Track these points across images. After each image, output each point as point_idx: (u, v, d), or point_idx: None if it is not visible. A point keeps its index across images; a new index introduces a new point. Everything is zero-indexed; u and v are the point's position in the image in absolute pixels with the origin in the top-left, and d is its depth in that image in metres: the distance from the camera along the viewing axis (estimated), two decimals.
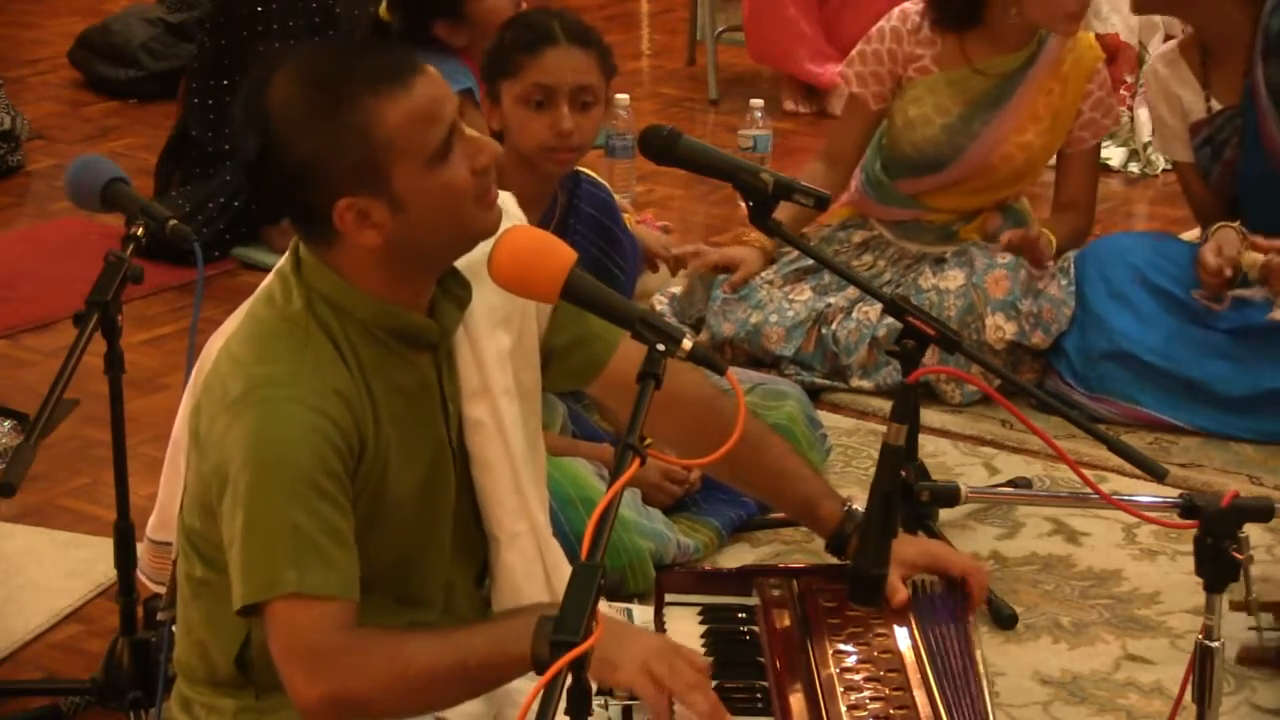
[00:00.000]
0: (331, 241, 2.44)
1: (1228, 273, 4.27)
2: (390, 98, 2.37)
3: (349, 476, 2.42)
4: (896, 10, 4.56)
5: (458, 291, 2.55)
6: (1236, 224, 4.33)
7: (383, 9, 4.42)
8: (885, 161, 4.61)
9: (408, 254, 2.44)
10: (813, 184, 4.56)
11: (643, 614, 2.90)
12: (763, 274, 4.64)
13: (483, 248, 2.46)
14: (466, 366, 2.59)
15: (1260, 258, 4.26)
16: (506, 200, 2.64)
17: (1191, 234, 4.79)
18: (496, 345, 2.61)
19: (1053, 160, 4.69)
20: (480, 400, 2.60)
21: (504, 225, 2.48)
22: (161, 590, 3.27)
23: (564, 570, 2.64)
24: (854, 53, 4.59)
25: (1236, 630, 3.26)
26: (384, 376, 2.48)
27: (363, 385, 2.45)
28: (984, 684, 2.50)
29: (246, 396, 2.40)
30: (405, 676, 2.36)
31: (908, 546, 2.71)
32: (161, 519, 3.28)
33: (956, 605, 2.67)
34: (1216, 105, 4.42)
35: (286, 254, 2.55)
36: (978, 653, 2.57)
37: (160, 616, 3.11)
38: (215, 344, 2.86)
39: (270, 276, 2.57)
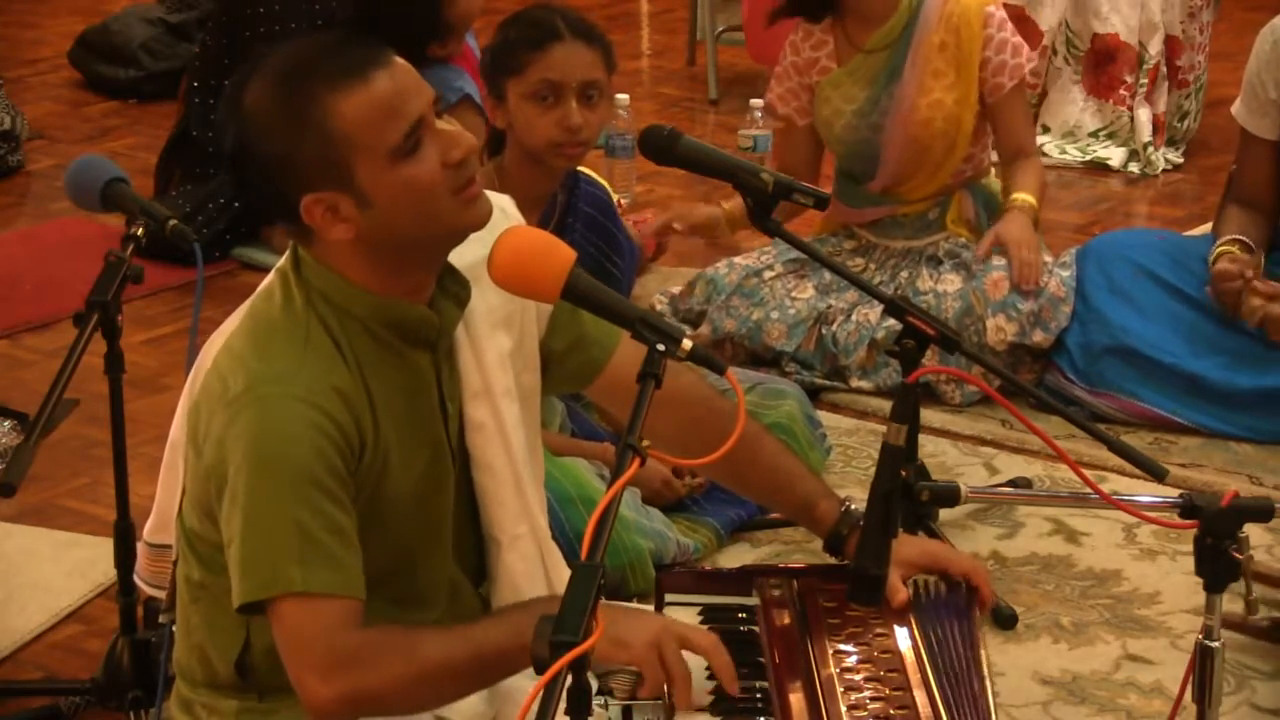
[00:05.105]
0: (310, 238, 2.44)
1: (1248, 274, 4.22)
2: (346, 92, 2.36)
3: (349, 474, 2.41)
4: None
5: (456, 290, 2.53)
6: (1237, 249, 4.29)
7: None
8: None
9: (385, 247, 2.43)
10: None
11: None
12: (764, 262, 4.65)
13: (481, 249, 2.45)
14: (468, 367, 2.58)
15: (1259, 303, 4.21)
16: (505, 203, 2.64)
17: (1202, 229, 4.74)
18: (497, 346, 2.60)
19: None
20: (481, 401, 2.59)
21: (502, 227, 2.48)
22: (157, 594, 3.26)
23: (564, 572, 2.63)
24: (771, 78, 4.68)
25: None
26: (382, 375, 2.47)
27: (361, 384, 2.44)
28: (987, 683, 2.50)
29: (246, 394, 2.39)
30: (422, 672, 2.37)
31: (908, 546, 2.70)
32: (159, 521, 3.27)
33: (961, 602, 2.66)
34: None
35: (287, 253, 2.54)
36: (982, 651, 2.56)
37: (162, 619, 3.12)
38: (215, 344, 2.85)
39: (271, 275, 2.56)
